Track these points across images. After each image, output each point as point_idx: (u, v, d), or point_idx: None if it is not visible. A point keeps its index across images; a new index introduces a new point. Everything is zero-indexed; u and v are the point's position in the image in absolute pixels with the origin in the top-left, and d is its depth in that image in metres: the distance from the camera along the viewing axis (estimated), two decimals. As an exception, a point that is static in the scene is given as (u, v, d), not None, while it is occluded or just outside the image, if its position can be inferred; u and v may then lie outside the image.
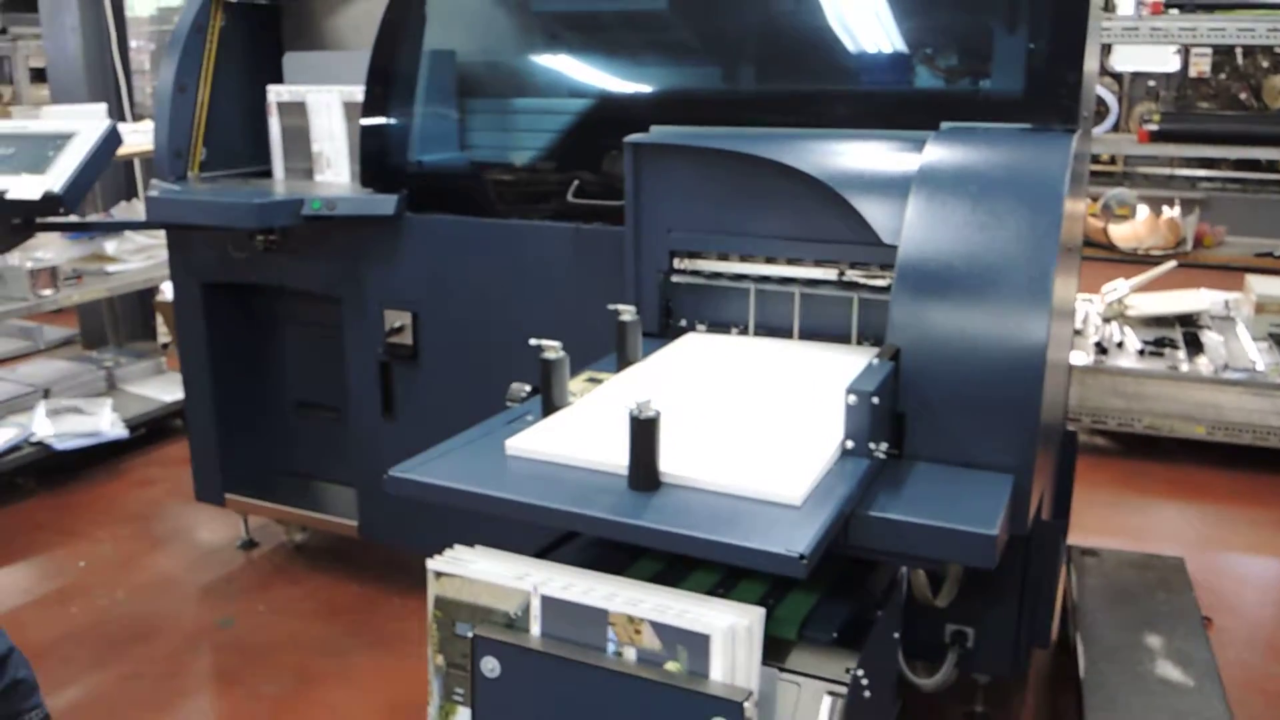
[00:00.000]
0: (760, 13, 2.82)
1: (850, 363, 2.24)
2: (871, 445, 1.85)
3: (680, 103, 2.84)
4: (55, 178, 3.03)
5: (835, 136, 2.49)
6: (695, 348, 2.45)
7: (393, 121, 3.09)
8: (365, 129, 3.10)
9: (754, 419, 1.99)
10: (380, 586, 3.51)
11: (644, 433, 1.69)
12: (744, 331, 2.57)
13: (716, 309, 2.59)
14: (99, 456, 4.51)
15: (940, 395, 1.97)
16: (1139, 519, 4.09)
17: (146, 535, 3.96)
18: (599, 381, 2.27)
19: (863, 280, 2.41)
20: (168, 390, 4.84)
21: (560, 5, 3.04)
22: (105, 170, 3.35)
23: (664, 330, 2.63)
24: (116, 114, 5.57)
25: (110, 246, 4.63)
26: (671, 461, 1.73)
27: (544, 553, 1.98)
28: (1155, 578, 2.86)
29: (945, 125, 2.45)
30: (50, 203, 3.01)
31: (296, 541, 3.82)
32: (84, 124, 3.25)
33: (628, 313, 2.34)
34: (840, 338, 2.46)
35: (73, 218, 3.86)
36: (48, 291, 4.22)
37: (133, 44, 7.86)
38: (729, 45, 2.88)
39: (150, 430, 4.72)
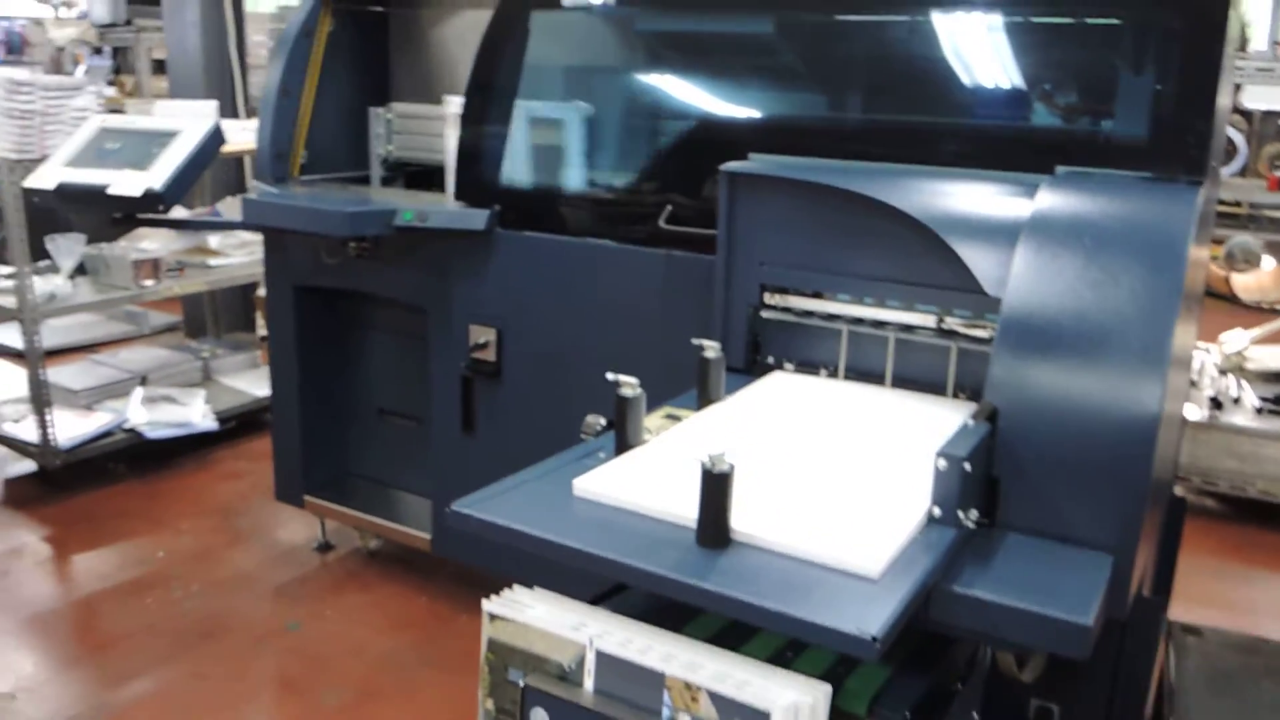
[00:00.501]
0: (870, 40, 2.71)
1: (944, 418, 2.12)
2: (960, 514, 1.74)
3: (782, 130, 2.75)
4: (157, 175, 3.06)
5: (942, 176, 2.37)
6: (781, 389, 2.35)
7: (489, 136, 3.05)
8: (462, 142, 3.06)
9: (836, 474, 1.89)
10: (450, 602, 3.48)
11: (716, 488, 1.60)
12: (833, 374, 2.45)
13: (806, 348, 2.49)
14: (189, 446, 4.58)
15: (1039, 463, 1.84)
16: (1248, 593, 3.85)
17: (227, 529, 4.00)
18: (677, 419, 2.19)
19: (963, 329, 2.28)
20: (261, 384, 4.88)
21: (663, 25, 2.97)
22: (207, 168, 3.39)
23: (750, 366, 2.54)
24: (230, 110, 5.68)
25: (214, 240, 4.70)
26: (744, 518, 1.64)
27: (607, 595, 1.90)
28: (1263, 664, 2.66)
29: (1061, 170, 2.32)
30: (150, 199, 3.05)
31: (371, 548, 3.81)
32: (190, 123, 3.29)
33: (711, 349, 2.25)
34: (935, 388, 2.33)
35: (179, 210, 3.94)
36: (149, 282, 4.29)
37: (255, 38, 8.06)
38: (835, 72, 2.78)
39: (241, 423, 4.78)
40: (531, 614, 1.70)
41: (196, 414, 4.48)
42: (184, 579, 3.61)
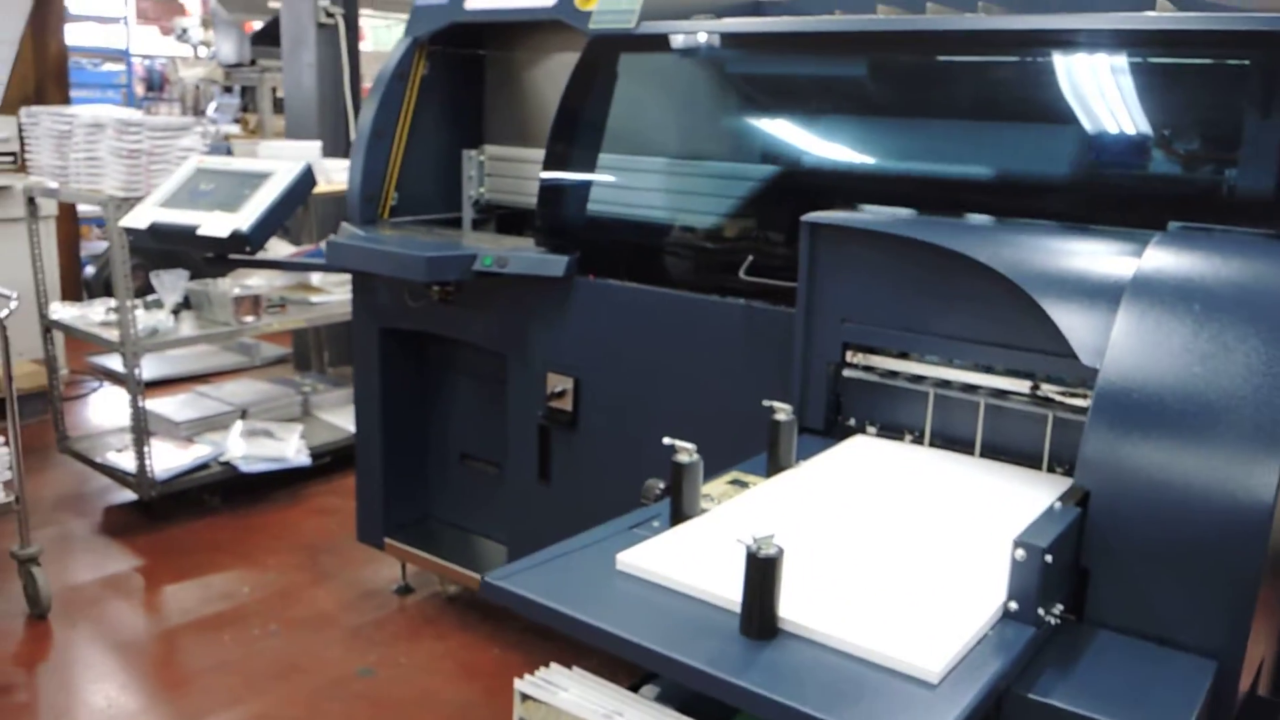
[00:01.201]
0: (970, 83, 2.55)
1: (1034, 497, 1.95)
2: (1041, 610, 1.56)
3: (873, 179, 2.59)
4: (245, 217, 3.08)
5: (1041, 230, 2.20)
6: (859, 455, 2.20)
7: (571, 181, 2.98)
8: (544, 186, 3.00)
9: (906, 556, 1.73)
10: (520, 652, 3.39)
11: (761, 573, 1.47)
12: (919, 439, 2.29)
13: (890, 410, 2.33)
14: (283, 480, 4.61)
15: (1135, 554, 1.67)
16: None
17: (312, 567, 4.00)
18: (744, 485, 2.06)
19: (1060, 398, 2.10)
20: (357, 418, 4.91)
21: (754, 68, 2.86)
22: (298, 209, 3.40)
23: (830, 428, 2.39)
24: (342, 149, 5.78)
25: (316, 277, 4.76)
26: (794, 605, 1.50)
27: (652, 676, 1.77)
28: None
29: (1173, 225, 2.13)
30: (237, 240, 3.06)
31: (449, 593, 3.76)
32: (282, 165, 3.31)
33: (783, 411, 2.12)
34: (1029, 459, 2.15)
35: (283, 247, 3.98)
36: (249, 318, 4.35)
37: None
38: (932, 118, 2.62)
39: (335, 459, 4.80)
40: (564, 697, 1.59)
41: (291, 449, 4.51)
42: (263, 616, 3.60)
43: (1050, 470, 2.12)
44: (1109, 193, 2.30)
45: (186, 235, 3.13)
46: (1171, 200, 2.23)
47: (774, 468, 2.11)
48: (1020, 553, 1.55)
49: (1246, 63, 2.25)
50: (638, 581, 1.65)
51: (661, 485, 2.06)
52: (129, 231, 3.27)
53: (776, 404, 2.12)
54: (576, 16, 3.05)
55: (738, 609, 1.51)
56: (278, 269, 4.29)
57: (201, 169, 3.37)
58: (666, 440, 1.87)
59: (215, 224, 3.10)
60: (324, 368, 5.86)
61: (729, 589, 1.55)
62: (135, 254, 4.21)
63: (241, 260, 3.20)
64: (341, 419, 4.99)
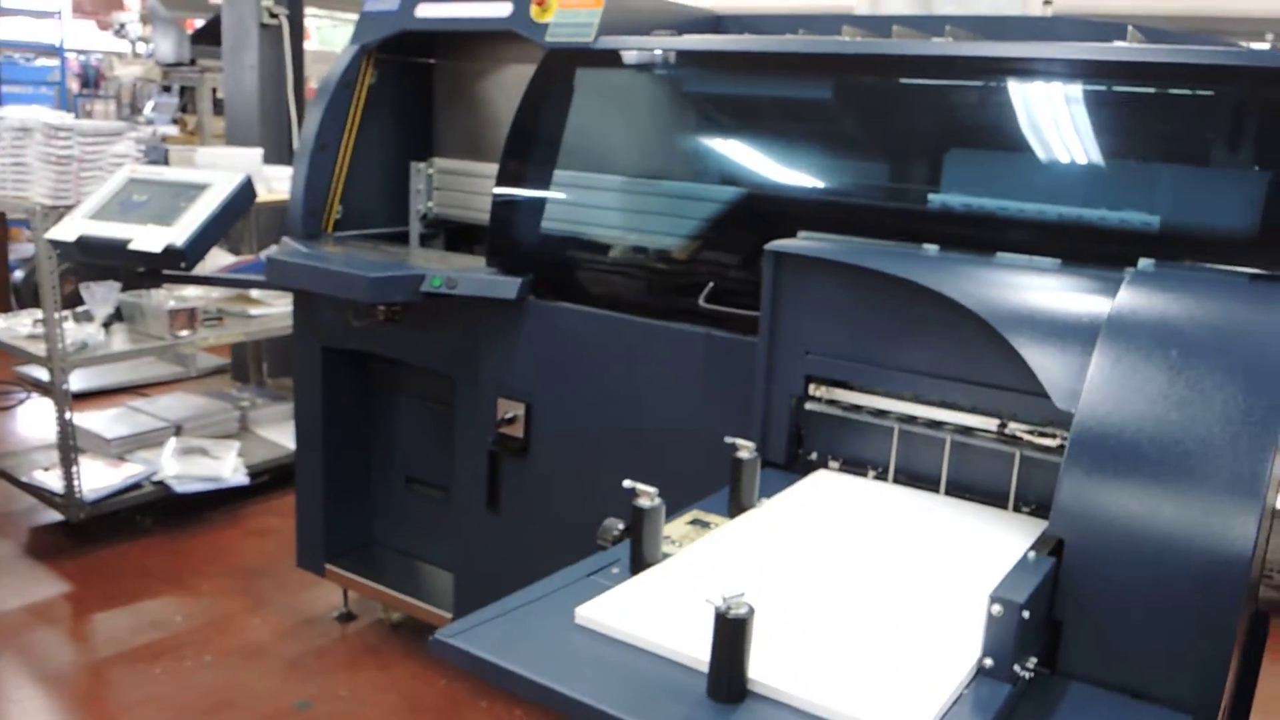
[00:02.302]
0: (936, 109, 2.50)
1: (1003, 540, 1.89)
2: (1016, 667, 1.50)
3: (835, 207, 2.53)
4: (180, 231, 2.94)
5: (1010, 266, 2.14)
6: (822, 493, 2.13)
7: (525, 200, 2.88)
8: (497, 205, 2.90)
9: (876, 606, 1.66)
10: (468, 683, 3.28)
11: (731, 634, 1.39)
12: (882, 475, 2.22)
13: (853, 445, 2.26)
14: (219, 500, 4.45)
15: (1110, 605, 1.61)
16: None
17: (248, 592, 3.85)
18: (705, 526, 1.98)
19: (1027, 436, 2.04)
20: (297, 434, 4.77)
21: (714, 88, 2.79)
22: (237, 222, 3.27)
23: (791, 461, 2.32)
24: (284, 155, 5.62)
25: (257, 291, 4.60)
26: (764, 664, 1.42)
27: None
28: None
29: (1144, 263, 2.09)
30: (172, 256, 2.92)
31: (394, 620, 3.63)
32: (220, 176, 3.17)
33: (746, 449, 2.04)
34: (994, 498, 2.09)
35: (223, 256, 3.82)
36: (184, 332, 4.19)
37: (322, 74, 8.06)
38: (896, 144, 2.56)
39: (274, 477, 4.64)
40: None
41: (228, 468, 4.35)
42: (197, 646, 3.46)
43: (1016, 510, 2.07)
44: (1081, 228, 2.25)
45: (117, 249, 2.98)
46: (1144, 237, 2.18)
47: (736, 507, 2.03)
48: (996, 608, 1.49)
49: (1213, 94, 2.23)
50: (598, 638, 1.56)
51: (620, 526, 1.96)
52: (55, 245, 3.11)
53: (739, 441, 2.04)
54: (532, 28, 2.96)
55: (704, 668, 1.43)
56: (213, 285, 4.13)
57: (134, 179, 3.22)
58: (627, 483, 1.78)
59: (148, 238, 2.96)
60: (263, 379, 5.69)
61: (695, 646, 1.46)
62: (65, 261, 4.04)
63: (176, 276, 3.06)
64: (281, 435, 4.84)
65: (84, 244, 3.02)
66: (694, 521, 2.00)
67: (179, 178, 3.20)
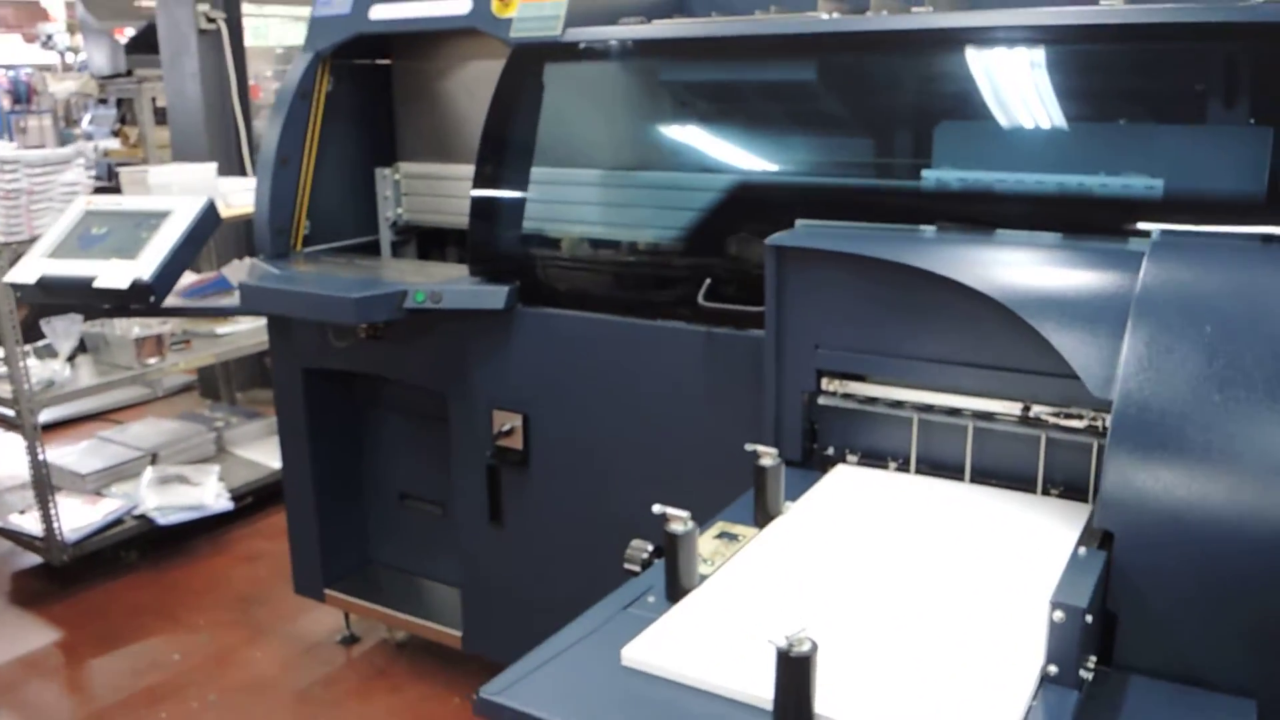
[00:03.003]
0: (923, 83, 2.43)
1: (1041, 526, 1.86)
2: (1081, 671, 1.46)
3: (829, 190, 2.45)
4: (145, 265, 2.82)
5: (1019, 243, 2.09)
6: (847, 492, 2.07)
7: (504, 205, 2.78)
8: (475, 211, 2.80)
9: (927, 615, 1.61)
10: (484, 701, 3.21)
11: (796, 674, 1.33)
12: (903, 466, 2.17)
13: (871, 437, 2.21)
14: (203, 527, 4.33)
15: (1164, 596, 1.57)
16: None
17: (246, 623, 3.75)
18: (734, 538, 1.92)
19: (1052, 419, 1.99)
20: (278, 455, 4.64)
21: (691, 75, 2.70)
22: (203, 248, 3.14)
23: (807, 458, 2.26)
24: (236, 164, 5.46)
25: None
26: (830, 697, 1.36)
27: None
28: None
29: (1158, 233, 2.04)
30: (140, 291, 2.80)
31: (399, 640, 3.56)
32: (181, 201, 3.05)
33: (768, 455, 1.97)
34: (1021, 482, 2.05)
35: (186, 274, 3.67)
36: (153, 360, 4.06)
37: (264, 72, 7.84)
38: (885, 121, 2.49)
39: (257, 498, 4.53)
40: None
41: (210, 494, 4.24)
42: (200, 686, 3.36)
43: (1045, 493, 2.03)
44: (1074, 197, 2.19)
45: (81, 288, 2.85)
46: (1141, 203, 2.13)
47: (763, 516, 1.97)
48: (1058, 614, 1.44)
49: (1209, 54, 2.17)
50: (650, 680, 1.49)
51: (649, 548, 1.90)
52: (16, 288, 2.98)
53: (760, 448, 1.98)
54: (495, 24, 2.85)
55: (765, 704, 1.37)
56: (184, 315, 3.99)
57: (91, 211, 3.08)
58: (657, 508, 1.71)
59: (113, 274, 2.83)
60: (233, 395, 5.56)
61: (752, 682, 1.41)
62: (27, 303, 3.89)
63: (150, 309, 2.94)
64: (260, 454, 4.72)
65: (45, 285, 2.89)
66: (722, 535, 1.94)
67: (138, 206, 3.07)
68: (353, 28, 3.13)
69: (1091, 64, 2.28)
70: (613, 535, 2.69)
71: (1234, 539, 1.52)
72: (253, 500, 4.51)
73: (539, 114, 2.79)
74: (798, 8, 2.81)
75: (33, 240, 3.59)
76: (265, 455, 4.68)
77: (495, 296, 2.72)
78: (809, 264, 2.16)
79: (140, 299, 2.81)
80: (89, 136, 8.07)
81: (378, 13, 3.09)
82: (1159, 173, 2.14)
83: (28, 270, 2.91)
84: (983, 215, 2.26)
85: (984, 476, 2.09)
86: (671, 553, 1.71)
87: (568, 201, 2.77)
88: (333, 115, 3.31)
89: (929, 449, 2.15)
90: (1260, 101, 2.12)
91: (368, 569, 3.49)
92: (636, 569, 1.90)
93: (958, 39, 2.32)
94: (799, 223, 2.32)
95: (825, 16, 2.54)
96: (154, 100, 6.69)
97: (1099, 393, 1.70)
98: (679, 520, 1.70)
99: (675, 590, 1.71)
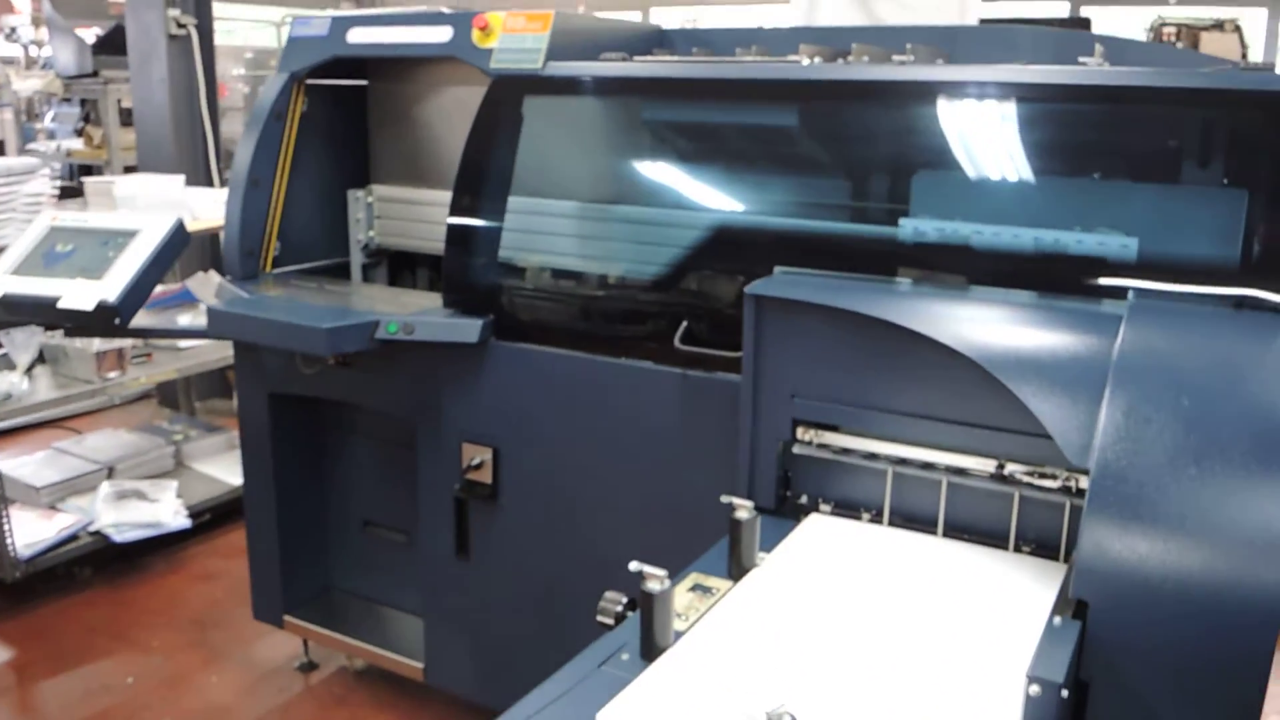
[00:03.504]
0: (907, 134, 2.44)
1: (1012, 583, 1.88)
2: (1056, 744, 1.46)
3: (808, 237, 2.45)
4: (111, 285, 2.77)
5: (997, 301, 2.10)
6: (821, 544, 2.07)
7: (481, 237, 2.76)
8: (450, 242, 2.77)
9: (907, 677, 1.60)
10: (442, 732, 3.19)
11: (776, 752, 1.32)
12: (876, 517, 2.18)
13: (845, 487, 2.21)
14: (160, 543, 4.26)
15: (1137, 666, 1.58)
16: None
17: (202, 645, 3.69)
18: (708, 592, 1.91)
19: (1026, 478, 2.00)
20: (236, 471, 4.56)
21: (670, 114, 2.70)
22: (171, 268, 3.09)
23: (780, 505, 2.26)
24: (202, 173, 5.39)
25: (184, 319, 4.38)
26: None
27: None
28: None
29: (1133, 294, 2.05)
30: (105, 313, 2.75)
31: (357, 667, 3.51)
32: (149, 219, 2.99)
33: (744, 509, 1.96)
34: (994, 538, 2.06)
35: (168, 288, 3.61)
36: (113, 374, 3.99)
37: (233, 70, 7.75)
38: (868, 171, 2.50)
39: (215, 515, 4.46)
40: None
41: (167, 512, 4.17)
42: (155, 710, 3.30)
43: (1017, 549, 2.04)
44: (1061, 256, 2.21)
45: (45, 308, 2.79)
46: (1128, 264, 2.15)
47: (737, 569, 1.96)
48: (1034, 688, 1.44)
49: (1207, 114, 2.19)
50: (626, 748, 1.48)
51: (623, 601, 1.89)
52: (-24, 305, 2.91)
53: (737, 500, 1.97)
54: (475, 54, 2.83)
55: (746, 776, 1.36)
56: (150, 337, 3.93)
57: (57, 227, 3.02)
58: (634, 565, 1.70)
59: (78, 294, 2.77)
60: (192, 405, 5.49)
61: (732, 752, 1.40)
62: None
63: (114, 331, 2.88)
64: (218, 469, 4.66)
65: (7, 303, 2.82)
66: (695, 587, 1.93)
67: (105, 224, 3.01)
68: (330, 50, 3.09)
69: (1069, 121, 2.30)
70: (581, 574, 2.69)
71: (1209, 612, 1.54)
72: (210, 517, 4.44)
73: (517, 146, 2.77)
74: (779, 48, 2.81)
75: (-6, 251, 3.52)
76: (224, 471, 4.62)
77: (469, 330, 2.70)
78: (788, 313, 2.16)
79: (105, 321, 2.76)
80: (51, 134, 7.92)
81: (356, 36, 3.06)
82: (1134, 230, 2.16)
83: (-11, 287, 2.85)
84: (959, 266, 2.27)
85: (957, 531, 2.10)
86: (647, 611, 1.70)
87: (544, 233, 2.75)
88: (306, 135, 3.27)
89: (903, 501, 2.15)
90: (1234, 165, 2.14)
91: (328, 595, 3.45)
92: (610, 622, 1.89)
93: (938, 91, 2.33)
94: (778, 270, 2.32)
95: (805, 62, 2.55)
96: (119, 102, 6.59)
97: (1076, 460, 1.71)
98: (656, 579, 1.69)
99: (650, 649, 1.70)
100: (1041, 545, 2.02)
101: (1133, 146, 2.28)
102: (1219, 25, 7.91)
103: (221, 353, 4.43)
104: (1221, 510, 1.56)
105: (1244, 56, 7.51)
